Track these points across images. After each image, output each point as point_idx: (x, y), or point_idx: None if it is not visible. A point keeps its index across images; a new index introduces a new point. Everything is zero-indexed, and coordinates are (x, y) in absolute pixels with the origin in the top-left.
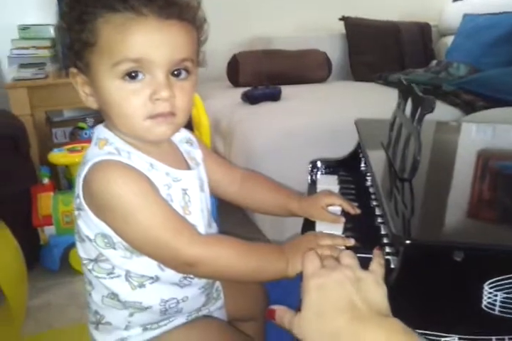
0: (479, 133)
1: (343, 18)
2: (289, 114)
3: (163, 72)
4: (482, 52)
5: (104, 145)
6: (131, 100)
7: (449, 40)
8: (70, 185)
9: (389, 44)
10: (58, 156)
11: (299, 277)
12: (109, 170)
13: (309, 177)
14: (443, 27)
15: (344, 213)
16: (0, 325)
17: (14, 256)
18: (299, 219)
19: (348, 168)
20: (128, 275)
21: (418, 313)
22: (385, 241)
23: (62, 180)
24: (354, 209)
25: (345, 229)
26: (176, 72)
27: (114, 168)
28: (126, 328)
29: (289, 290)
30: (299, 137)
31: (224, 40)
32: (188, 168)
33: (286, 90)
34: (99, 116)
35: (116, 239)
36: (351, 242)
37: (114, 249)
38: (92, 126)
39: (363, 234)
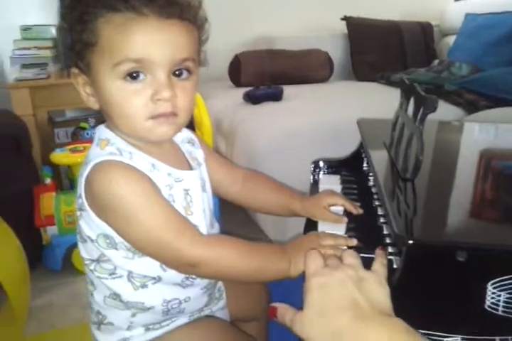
0: (482, 133)
1: (345, 18)
2: (291, 113)
3: (164, 72)
4: (484, 52)
5: (106, 146)
6: (133, 100)
7: (451, 39)
8: (72, 185)
9: (391, 44)
10: (60, 156)
11: (302, 277)
12: (110, 171)
13: (311, 177)
14: (445, 26)
15: (346, 213)
16: (2, 325)
17: (16, 256)
18: (301, 219)
19: (350, 168)
20: (130, 275)
21: (421, 313)
22: (388, 241)
23: (65, 180)
24: (356, 209)
25: (348, 229)
26: (177, 72)
27: (116, 168)
28: (129, 328)
29: (291, 291)
30: (301, 137)
31: (226, 39)
32: (190, 168)
33: (288, 90)
34: (101, 117)
35: (118, 239)
36: (354, 242)
37: (116, 249)
38: (94, 126)
39: (365, 234)
